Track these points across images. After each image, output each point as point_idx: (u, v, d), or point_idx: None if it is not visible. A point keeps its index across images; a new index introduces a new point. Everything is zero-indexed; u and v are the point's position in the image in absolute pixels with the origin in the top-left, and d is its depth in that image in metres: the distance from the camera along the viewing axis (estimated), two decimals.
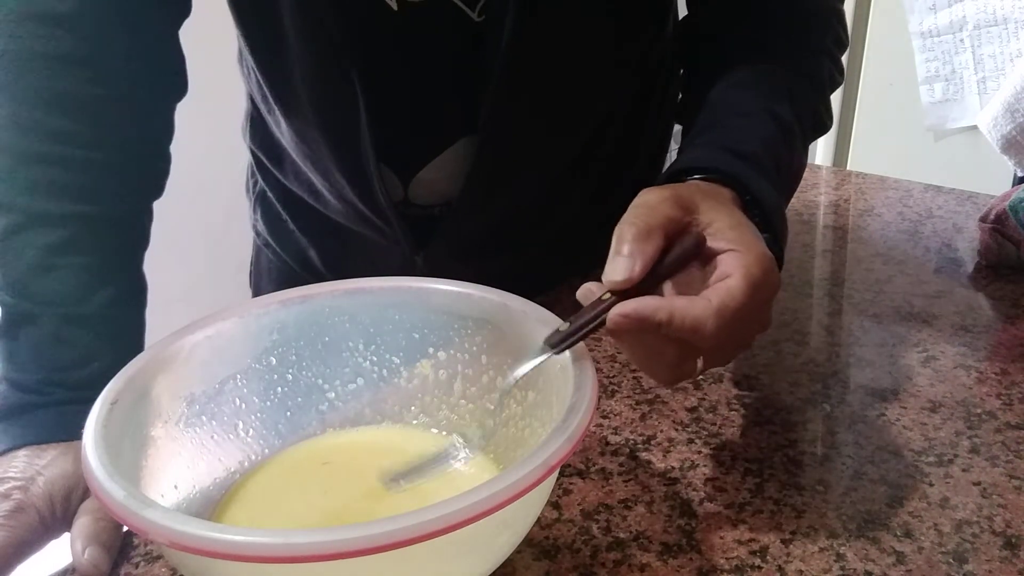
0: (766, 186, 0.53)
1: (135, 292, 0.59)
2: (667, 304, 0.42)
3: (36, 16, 0.55)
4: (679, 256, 0.45)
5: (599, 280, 0.45)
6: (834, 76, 0.66)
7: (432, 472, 0.46)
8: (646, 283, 0.44)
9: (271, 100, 0.68)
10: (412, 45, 0.62)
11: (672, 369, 0.46)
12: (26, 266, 0.53)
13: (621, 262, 0.44)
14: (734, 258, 0.45)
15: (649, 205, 0.46)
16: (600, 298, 0.44)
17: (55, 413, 0.51)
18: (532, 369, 0.45)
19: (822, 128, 0.65)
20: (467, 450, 0.46)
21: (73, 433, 0.51)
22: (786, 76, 0.62)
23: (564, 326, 0.44)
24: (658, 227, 0.45)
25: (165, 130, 0.64)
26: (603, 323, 0.43)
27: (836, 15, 0.66)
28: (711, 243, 0.46)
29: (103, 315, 0.55)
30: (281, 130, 0.70)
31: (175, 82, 0.64)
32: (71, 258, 0.54)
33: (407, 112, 0.66)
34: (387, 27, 0.61)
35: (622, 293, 0.44)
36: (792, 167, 0.60)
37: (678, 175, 0.54)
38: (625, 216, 0.46)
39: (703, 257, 0.46)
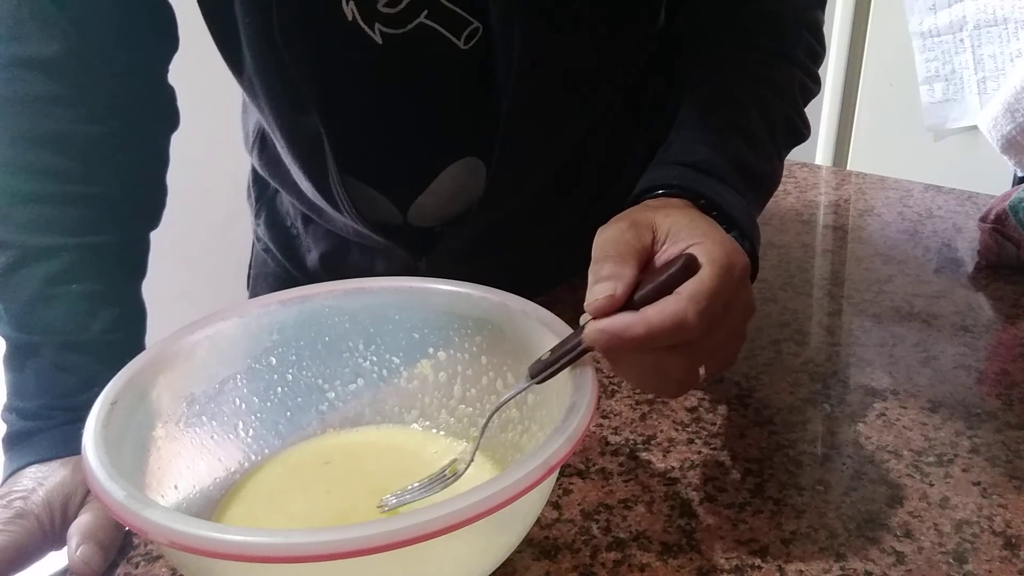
0: (721, 188, 0.53)
1: (134, 317, 0.60)
2: (639, 317, 0.42)
3: (23, 61, 0.56)
4: (669, 279, 0.43)
5: None
6: (807, 85, 0.66)
7: (426, 493, 0.46)
8: (633, 306, 0.43)
9: (264, 126, 0.69)
10: (399, 77, 0.62)
11: (677, 382, 0.46)
12: (26, 299, 0.54)
13: (602, 286, 0.43)
14: (694, 251, 0.44)
15: (613, 238, 0.46)
16: (583, 327, 0.44)
17: (58, 433, 0.52)
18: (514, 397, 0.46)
19: (798, 136, 0.65)
20: (454, 477, 0.46)
21: (75, 449, 0.51)
22: (753, 87, 0.62)
23: (546, 355, 0.45)
24: (629, 254, 0.45)
25: (159, 163, 0.65)
26: (583, 351, 0.43)
27: (808, 26, 0.66)
28: (671, 249, 0.46)
29: (102, 340, 0.55)
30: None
31: (166, 117, 0.65)
32: (69, 287, 0.55)
33: (396, 142, 0.66)
34: (371, 61, 0.60)
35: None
36: (763, 172, 0.60)
37: (638, 198, 0.55)
38: (594, 253, 0.46)
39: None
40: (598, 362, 0.65)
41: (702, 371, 0.46)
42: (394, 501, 0.46)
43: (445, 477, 0.46)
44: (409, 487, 0.46)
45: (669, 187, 0.54)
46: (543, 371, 0.44)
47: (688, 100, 0.61)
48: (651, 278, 0.43)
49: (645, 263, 0.45)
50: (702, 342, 0.43)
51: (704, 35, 0.66)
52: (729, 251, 0.44)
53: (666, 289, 0.43)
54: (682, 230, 0.46)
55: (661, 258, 0.46)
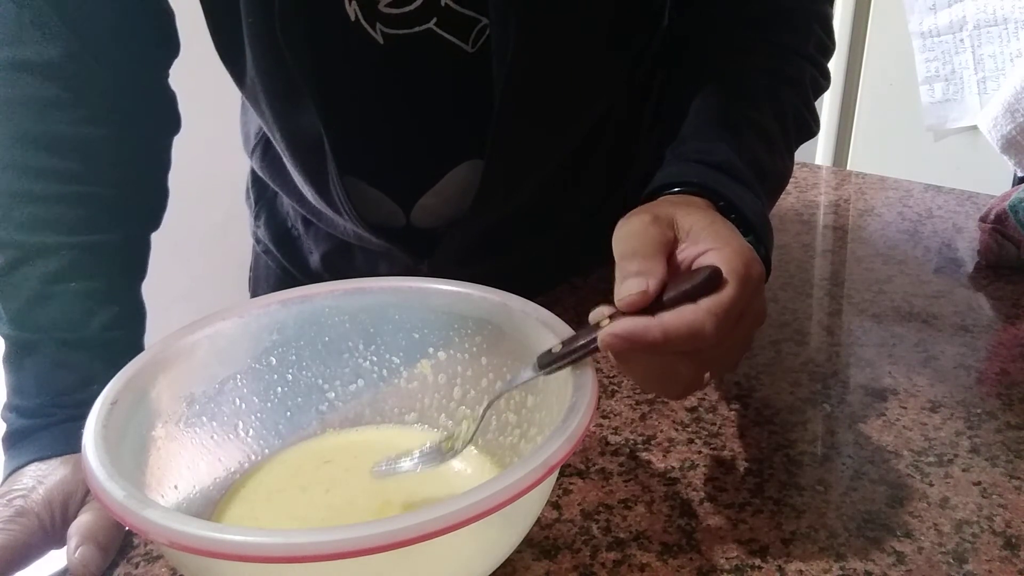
0: (741, 190, 0.53)
1: (133, 316, 0.60)
2: (657, 322, 0.42)
3: (22, 64, 0.56)
4: (692, 289, 0.43)
5: (604, 292, 0.45)
6: (817, 80, 0.66)
7: (419, 466, 0.46)
8: (657, 308, 0.43)
9: (264, 129, 0.68)
10: (401, 77, 0.62)
11: (683, 386, 0.45)
12: (25, 298, 0.54)
13: (634, 281, 0.43)
14: (712, 256, 0.44)
15: (637, 233, 0.46)
16: (597, 324, 0.43)
17: (57, 431, 0.52)
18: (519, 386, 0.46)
19: (808, 132, 0.65)
20: (452, 452, 0.46)
21: (75, 447, 0.51)
22: (764, 81, 0.62)
23: (557, 347, 0.44)
24: (656, 249, 0.45)
25: (160, 165, 0.65)
26: (596, 348, 0.43)
27: (819, 20, 0.66)
28: (690, 249, 0.45)
29: (101, 338, 0.56)
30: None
31: (167, 120, 0.65)
32: (68, 285, 0.55)
33: (400, 143, 0.65)
34: (372, 61, 0.60)
35: (625, 314, 0.43)
36: (775, 171, 0.60)
37: (654, 194, 0.54)
38: (618, 248, 0.45)
39: (685, 266, 0.46)
40: (598, 362, 0.65)
41: (707, 376, 0.46)
42: (385, 468, 0.46)
43: (441, 451, 0.46)
44: (404, 458, 0.47)
45: (688, 184, 0.53)
46: (552, 363, 0.44)
47: (700, 94, 0.60)
48: (674, 285, 0.43)
49: (669, 257, 0.45)
50: (712, 349, 0.43)
51: (714, 29, 0.66)
52: (747, 260, 0.44)
53: (688, 298, 0.43)
54: (702, 232, 0.46)
55: (679, 256, 0.46)
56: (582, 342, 0.43)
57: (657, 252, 0.44)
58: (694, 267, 0.45)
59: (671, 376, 0.44)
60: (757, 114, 0.59)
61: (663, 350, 0.42)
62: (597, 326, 0.43)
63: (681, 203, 0.50)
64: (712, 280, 0.43)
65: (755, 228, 0.52)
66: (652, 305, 0.43)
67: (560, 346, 0.44)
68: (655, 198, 0.54)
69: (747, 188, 0.54)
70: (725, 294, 0.42)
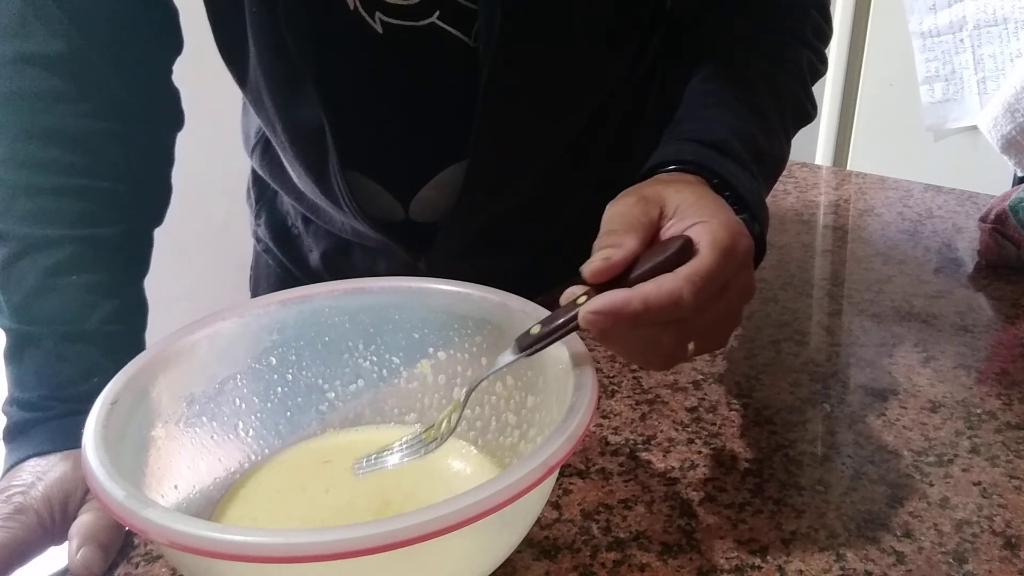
0: (736, 169, 0.53)
1: (135, 310, 0.60)
2: (637, 293, 0.42)
3: (26, 58, 0.56)
4: (665, 261, 0.43)
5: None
6: (815, 66, 0.66)
7: (400, 459, 0.46)
8: (628, 283, 0.43)
9: (264, 127, 0.68)
10: (401, 69, 0.62)
11: (665, 356, 0.45)
12: (27, 290, 0.55)
13: (601, 252, 0.43)
14: (698, 228, 0.44)
15: (620, 212, 0.46)
16: (574, 301, 0.43)
17: (57, 425, 0.52)
18: (504, 369, 0.45)
19: (805, 117, 0.65)
20: (435, 441, 0.46)
21: (75, 442, 0.51)
22: (762, 65, 0.62)
23: (536, 328, 0.44)
24: (633, 227, 0.45)
25: (164, 160, 0.65)
26: (576, 327, 0.43)
27: (816, 5, 0.66)
28: (677, 225, 0.45)
29: (103, 331, 0.55)
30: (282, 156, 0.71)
31: (170, 116, 0.65)
32: (70, 278, 0.55)
33: (400, 136, 0.65)
34: (372, 50, 0.60)
35: (598, 290, 0.43)
36: (772, 153, 0.60)
37: (649, 173, 0.54)
38: (601, 227, 0.46)
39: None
40: (598, 363, 0.65)
41: (691, 347, 0.45)
42: (367, 465, 0.46)
43: (423, 442, 0.46)
44: (385, 453, 0.47)
45: (683, 163, 0.53)
46: (532, 345, 0.44)
47: (698, 77, 0.60)
48: (647, 258, 0.43)
49: (651, 238, 0.45)
50: (695, 319, 0.43)
51: (713, 14, 0.66)
52: (734, 232, 0.44)
53: (663, 270, 0.43)
54: (690, 207, 0.46)
55: (666, 233, 0.46)
56: (561, 320, 0.43)
57: (632, 228, 0.45)
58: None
59: (653, 347, 0.44)
60: (754, 97, 0.59)
61: (644, 321, 0.42)
62: (574, 303, 0.43)
63: (672, 181, 0.50)
64: (685, 250, 0.43)
65: (749, 206, 0.52)
66: (627, 280, 0.43)
67: (539, 327, 0.44)
68: (650, 176, 0.54)
69: (742, 167, 0.54)
70: (704, 262, 0.43)
